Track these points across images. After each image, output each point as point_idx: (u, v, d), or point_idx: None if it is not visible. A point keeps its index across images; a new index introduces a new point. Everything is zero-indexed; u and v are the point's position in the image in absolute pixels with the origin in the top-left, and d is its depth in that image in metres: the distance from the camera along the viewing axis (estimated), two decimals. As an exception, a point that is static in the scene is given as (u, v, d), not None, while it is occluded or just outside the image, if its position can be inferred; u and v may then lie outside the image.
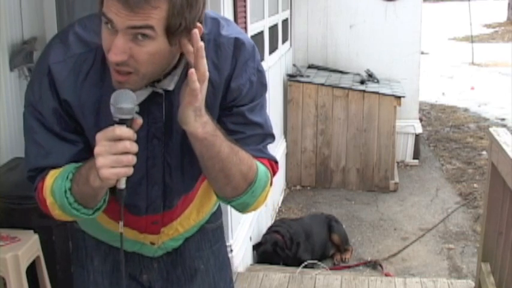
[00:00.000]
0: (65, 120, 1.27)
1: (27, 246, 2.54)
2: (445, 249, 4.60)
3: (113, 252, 1.52)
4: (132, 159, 1.16)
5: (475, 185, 5.94)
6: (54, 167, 1.29)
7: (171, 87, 1.27)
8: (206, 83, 1.19)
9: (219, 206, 1.61)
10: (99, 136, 1.16)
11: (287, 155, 5.89)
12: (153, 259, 1.54)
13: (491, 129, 2.99)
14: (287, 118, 5.86)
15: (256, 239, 4.26)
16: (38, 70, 1.28)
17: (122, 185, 1.20)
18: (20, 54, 3.19)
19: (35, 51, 3.31)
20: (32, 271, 2.62)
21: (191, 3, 1.14)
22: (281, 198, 5.60)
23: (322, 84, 5.79)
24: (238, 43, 1.29)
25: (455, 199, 5.66)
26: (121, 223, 1.26)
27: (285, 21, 6.07)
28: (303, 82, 5.80)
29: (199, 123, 1.21)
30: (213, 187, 1.36)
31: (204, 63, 1.17)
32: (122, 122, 1.17)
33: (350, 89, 5.77)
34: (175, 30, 1.14)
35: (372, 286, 3.48)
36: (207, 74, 1.18)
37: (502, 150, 2.67)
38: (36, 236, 2.62)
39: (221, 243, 1.67)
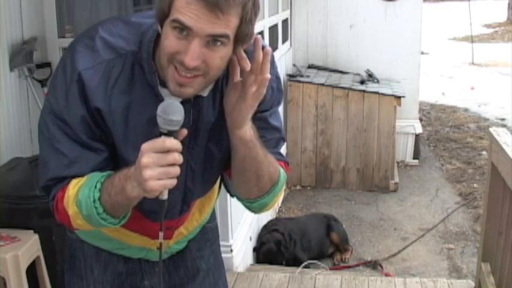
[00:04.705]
0: (91, 129, 1.24)
1: (27, 246, 2.54)
2: (445, 249, 4.59)
3: (113, 260, 1.51)
4: (178, 170, 1.15)
5: (475, 185, 5.93)
6: (76, 176, 1.25)
7: (205, 94, 1.27)
8: None
9: (214, 206, 1.62)
10: (146, 148, 1.13)
11: (287, 155, 5.89)
12: (155, 263, 1.53)
13: (491, 129, 2.99)
14: (287, 118, 5.86)
15: (257, 239, 4.25)
16: (62, 76, 1.24)
17: (165, 195, 1.18)
18: (20, 54, 3.20)
19: (35, 51, 3.31)
20: (32, 271, 2.62)
21: (256, 12, 1.16)
22: (281, 198, 5.60)
23: (322, 84, 5.78)
24: None
25: (455, 199, 5.65)
26: (161, 234, 1.25)
27: (285, 21, 6.07)
28: (303, 82, 5.80)
29: (248, 126, 1.24)
30: (240, 189, 1.38)
31: (269, 68, 1.19)
32: (169, 133, 1.15)
33: (350, 89, 5.76)
34: (244, 38, 1.16)
35: (372, 286, 3.48)
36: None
37: (502, 150, 2.67)
38: (36, 236, 2.62)
39: (218, 242, 1.71)
